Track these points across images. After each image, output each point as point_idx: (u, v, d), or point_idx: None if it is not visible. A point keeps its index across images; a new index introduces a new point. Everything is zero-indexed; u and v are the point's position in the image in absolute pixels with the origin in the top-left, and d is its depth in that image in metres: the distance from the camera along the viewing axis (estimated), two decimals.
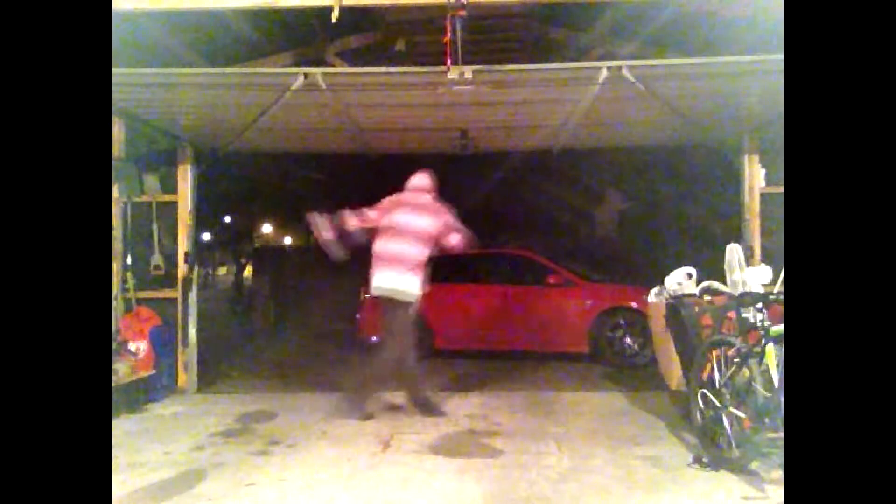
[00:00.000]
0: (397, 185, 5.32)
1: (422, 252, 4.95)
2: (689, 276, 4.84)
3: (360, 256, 5.22)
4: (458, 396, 5.89)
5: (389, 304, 4.97)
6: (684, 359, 4.59)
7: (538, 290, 8.08)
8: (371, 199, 5.27)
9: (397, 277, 4.89)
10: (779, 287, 4.50)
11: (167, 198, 6.29)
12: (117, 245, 6.11)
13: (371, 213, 5.10)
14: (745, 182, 6.15)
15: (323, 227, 4.99)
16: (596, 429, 4.74)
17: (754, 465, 3.67)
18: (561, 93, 4.98)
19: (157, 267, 6.25)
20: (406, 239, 4.95)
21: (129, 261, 6.15)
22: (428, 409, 5.18)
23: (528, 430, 4.75)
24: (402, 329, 5.00)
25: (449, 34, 4.13)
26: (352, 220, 5.04)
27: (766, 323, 3.74)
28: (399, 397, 5.42)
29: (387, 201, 5.15)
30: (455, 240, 5.09)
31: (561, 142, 6.67)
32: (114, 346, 5.57)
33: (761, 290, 4.42)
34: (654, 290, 5.14)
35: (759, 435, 3.54)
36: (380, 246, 5.00)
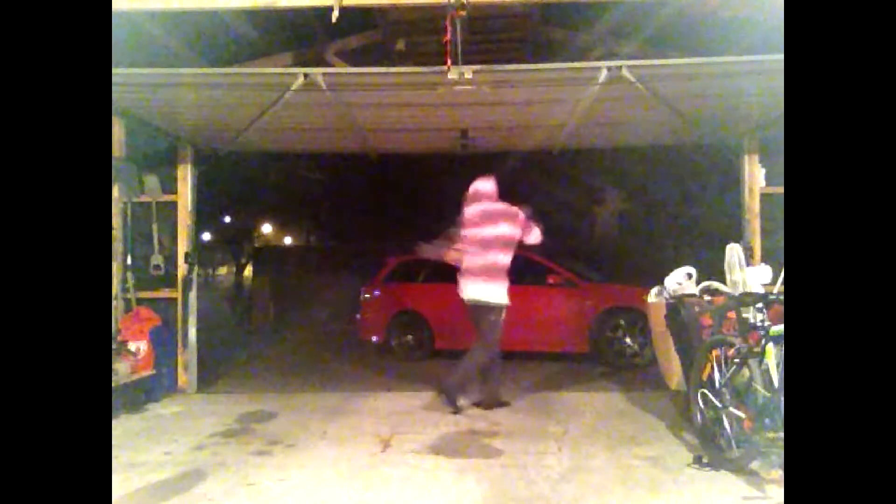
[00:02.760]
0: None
1: (506, 258, 5.29)
2: (689, 276, 4.84)
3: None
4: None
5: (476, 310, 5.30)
6: (684, 359, 4.59)
7: (538, 290, 8.08)
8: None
9: (484, 286, 5.24)
10: (779, 287, 4.50)
11: (167, 198, 6.29)
12: (117, 245, 6.11)
13: (462, 233, 5.34)
14: (745, 182, 6.15)
15: (432, 253, 5.52)
16: (596, 429, 4.74)
17: (754, 465, 3.67)
18: (561, 93, 4.98)
19: (157, 267, 6.25)
20: (492, 249, 5.25)
21: (129, 261, 6.15)
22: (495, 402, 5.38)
23: (528, 430, 4.75)
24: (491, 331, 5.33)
25: (449, 34, 4.13)
26: (450, 254, 5.41)
27: (766, 323, 3.74)
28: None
29: (469, 216, 5.31)
30: (534, 238, 5.36)
31: (561, 142, 6.67)
32: (114, 346, 5.57)
33: (761, 290, 4.42)
34: (654, 290, 5.14)
35: (759, 435, 3.54)
36: (469, 259, 5.30)
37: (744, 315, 3.96)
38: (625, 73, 4.43)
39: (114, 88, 3.99)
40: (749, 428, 3.58)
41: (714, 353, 4.05)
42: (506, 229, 5.24)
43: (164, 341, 5.99)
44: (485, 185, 5.34)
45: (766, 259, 5.79)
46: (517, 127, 6.19)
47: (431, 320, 8.36)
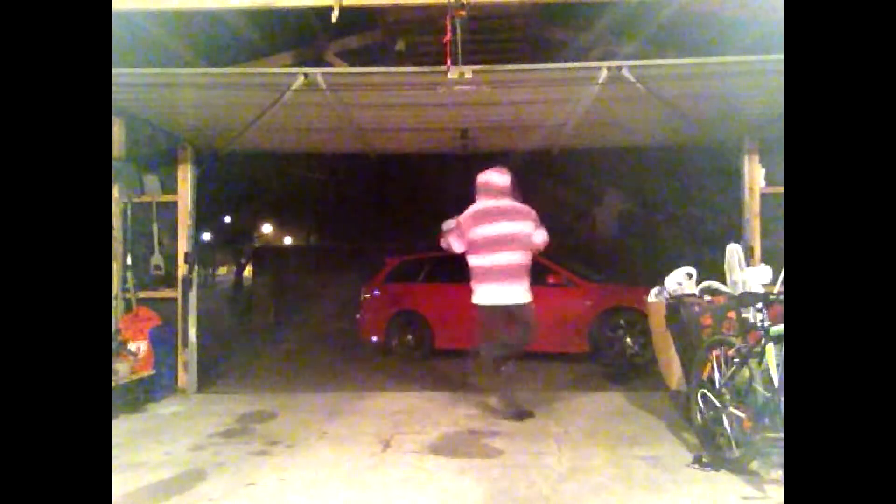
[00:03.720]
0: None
1: (525, 257, 5.05)
2: (689, 276, 4.84)
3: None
4: (458, 396, 5.89)
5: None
6: (684, 359, 4.59)
7: (538, 290, 8.05)
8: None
9: (507, 289, 5.00)
10: (779, 287, 4.50)
11: (167, 198, 6.29)
12: (117, 245, 6.11)
13: (462, 226, 5.07)
14: (745, 182, 6.15)
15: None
16: (596, 429, 4.74)
17: (754, 465, 3.67)
18: (561, 93, 4.97)
19: (157, 267, 6.25)
20: (506, 247, 4.98)
21: (129, 261, 6.15)
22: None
23: (528, 430, 4.75)
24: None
25: (449, 34, 4.13)
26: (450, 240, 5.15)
27: (766, 323, 3.74)
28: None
29: (471, 213, 5.07)
30: (539, 239, 5.09)
31: (561, 142, 6.67)
32: (114, 346, 5.57)
33: (761, 290, 4.42)
34: (654, 290, 5.14)
35: (759, 435, 3.54)
36: (479, 259, 5.05)
37: (744, 315, 3.96)
38: (625, 73, 4.42)
39: (114, 88, 3.99)
40: (749, 428, 3.59)
41: (714, 353, 4.05)
42: (520, 227, 5.07)
43: (164, 341, 5.99)
44: (500, 177, 5.11)
45: (766, 259, 5.79)
46: (517, 127, 6.19)
47: (431, 320, 8.36)
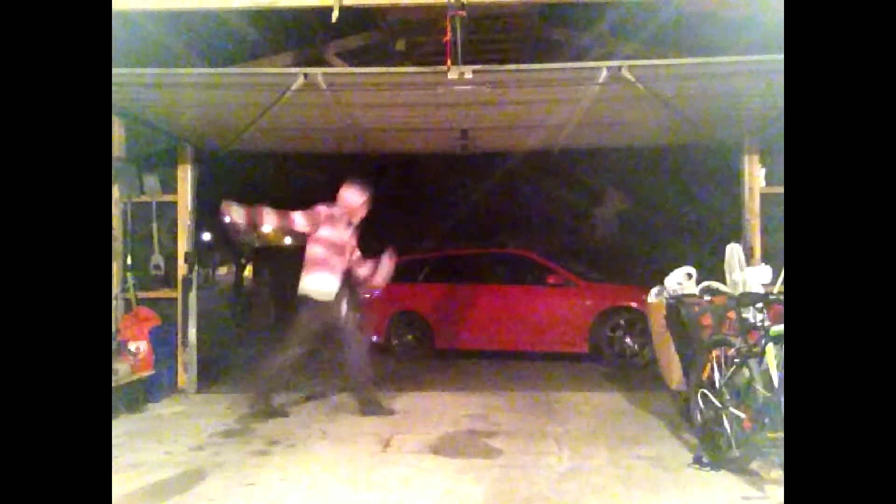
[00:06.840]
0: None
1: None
2: (689, 276, 4.84)
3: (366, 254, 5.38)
4: (458, 396, 5.89)
5: None
6: (684, 359, 4.59)
7: (538, 290, 8.08)
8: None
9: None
10: (779, 287, 4.50)
11: (167, 198, 6.28)
12: (117, 245, 6.11)
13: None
14: (745, 182, 6.15)
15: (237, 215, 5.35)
16: (596, 429, 4.74)
17: (754, 465, 3.67)
18: (561, 93, 4.97)
19: (157, 267, 6.24)
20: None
21: (129, 261, 6.15)
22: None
23: (528, 430, 4.75)
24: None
25: (449, 34, 4.13)
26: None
27: (766, 323, 3.74)
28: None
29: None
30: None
31: (561, 142, 6.67)
32: (114, 346, 5.57)
33: (761, 290, 4.42)
34: (654, 290, 5.14)
35: (759, 435, 3.54)
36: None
37: (744, 315, 3.96)
38: (625, 73, 4.42)
39: (114, 88, 3.99)
40: (749, 428, 3.59)
41: (714, 353, 4.05)
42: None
43: (164, 341, 5.99)
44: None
45: (766, 259, 5.79)
46: (517, 127, 6.19)
47: (431, 320, 8.36)
